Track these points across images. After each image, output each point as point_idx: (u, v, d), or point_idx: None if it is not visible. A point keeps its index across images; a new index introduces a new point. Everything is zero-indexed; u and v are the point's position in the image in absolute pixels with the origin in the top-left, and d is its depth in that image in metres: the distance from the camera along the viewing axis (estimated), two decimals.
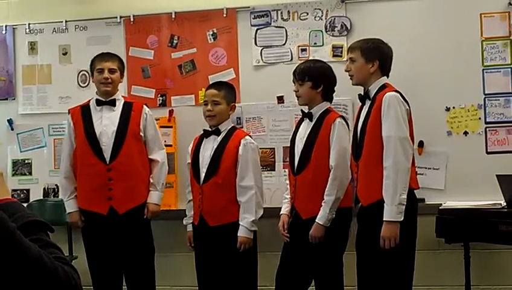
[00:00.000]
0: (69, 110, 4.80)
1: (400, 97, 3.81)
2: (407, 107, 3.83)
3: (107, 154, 4.55)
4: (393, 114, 3.74)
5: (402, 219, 3.67)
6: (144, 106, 4.74)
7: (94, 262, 4.66)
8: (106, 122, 4.61)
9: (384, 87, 3.89)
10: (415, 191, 3.91)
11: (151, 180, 4.66)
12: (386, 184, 3.70)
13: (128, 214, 4.56)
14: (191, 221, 4.53)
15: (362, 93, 4.01)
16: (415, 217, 3.88)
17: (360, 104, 4.04)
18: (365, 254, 3.90)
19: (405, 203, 3.67)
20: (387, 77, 3.98)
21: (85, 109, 4.69)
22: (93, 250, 4.67)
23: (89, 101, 4.73)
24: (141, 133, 4.65)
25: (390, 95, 3.79)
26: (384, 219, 3.69)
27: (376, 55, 3.95)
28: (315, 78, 4.23)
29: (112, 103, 4.66)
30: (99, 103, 4.67)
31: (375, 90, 3.90)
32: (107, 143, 4.56)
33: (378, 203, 3.74)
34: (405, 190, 3.68)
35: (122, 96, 4.78)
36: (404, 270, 3.81)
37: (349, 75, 4.06)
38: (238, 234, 4.29)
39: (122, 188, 4.55)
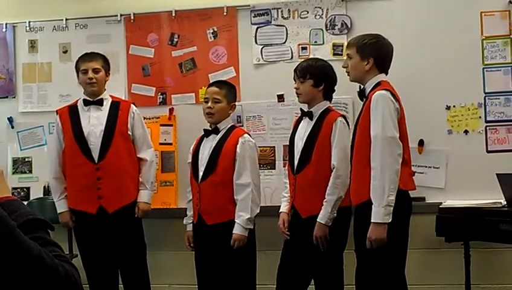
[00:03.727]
0: (56, 110, 4.83)
1: (390, 96, 3.73)
2: (397, 106, 3.75)
3: (96, 154, 4.58)
4: (380, 113, 3.67)
5: (390, 220, 3.60)
6: (132, 105, 4.77)
7: (88, 261, 4.70)
8: (94, 122, 4.64)
9: (378, 85, 3.83)
10: (410, 191, 3.86)
11: (141, 179, 4.69)
12: (373, 185, 3.64)
13: (117, 213, 4.59)
14: (191, 221, 4.53)
15: (359, 90, 3.99)
16: (407, 219, 3.82)
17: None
18: (357, 253, 3.88)
19: (393, 204, 3.60)
20: (386, 74, 3.94)
21: (73, 109, 4.72)
22: (86, 249, 4.71)
23: (77, 101, 4.76)
24: (129, 132, 4.68)
25: (378, 93, 3.72)
26: (371, 221, 3.63)
27: (371, 52, 3.88)
28: (317, 77, 4.23)
29: (99, 103, 4.69)
30: (86, 102, 4.70)
31: (370, 88, 3.85)
32: (95, 143, 4.59)
33: (366, 204, 3.69)
34: (393, 191, 3.60)
35: (110, 95, 4.79)
36: (392, 272, 3.76)
37: (346, 72, 4.03)
38: (233, 232, 4.30)
39: (111, 187, 4.58)
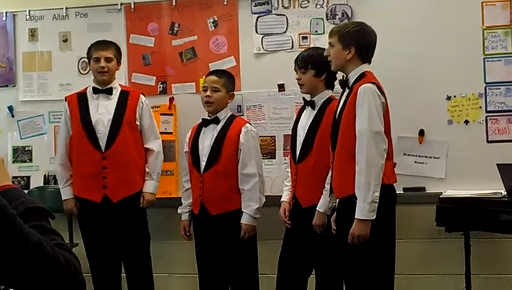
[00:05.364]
0: (65, 97, 4.82)
1: (376, 89, 3.66)
2: (383, 100, 3.69)
3: (103, 143, 4.58)
4: (366, 107, 3.60)
5: (374, 217, 3.55)
6: (141, 95, 4.76)
7: (91, 249, 4.71)
8: (102, 111, 4.64)
9: (363, 76, 3.75)
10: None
11: (147, 170, 4.69)
12: (358, 181, 3.58)
13: (122, 203, 4.59)
14: (187, 210, 4.53)
15: (342, 79, 3.90)
16: (393, 212, 3.77)
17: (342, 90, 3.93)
18: (343, 249, 3.80)
19: (377, 200, 3.55)
20: (369, 63, 3.84)
21: (81, 97, 4.72)
22: (90, 237, 4.72)
23: (86, 88, 4.76)
24: (137, 122, 4.68)
25: (365, 87, 3.65)
26: (355, 217, 3.58)
27: (353, 41, 3.77)
28: (318, 66, 4.19)
29: (109, 92, 4.69)
30: (96, 91, 4.70)
31: (354, 79, 3.77)
32: (102, 131, 4.59)
33: (350, 198, 3.63)
34: (378, 187, 3.55)
35: (120, 84, 4.78)
36: (380, 267, 3.71)
37: (329, 61, 3.93)
38: (242, 222, 4.30)
39: (116, 177, 4.58)
